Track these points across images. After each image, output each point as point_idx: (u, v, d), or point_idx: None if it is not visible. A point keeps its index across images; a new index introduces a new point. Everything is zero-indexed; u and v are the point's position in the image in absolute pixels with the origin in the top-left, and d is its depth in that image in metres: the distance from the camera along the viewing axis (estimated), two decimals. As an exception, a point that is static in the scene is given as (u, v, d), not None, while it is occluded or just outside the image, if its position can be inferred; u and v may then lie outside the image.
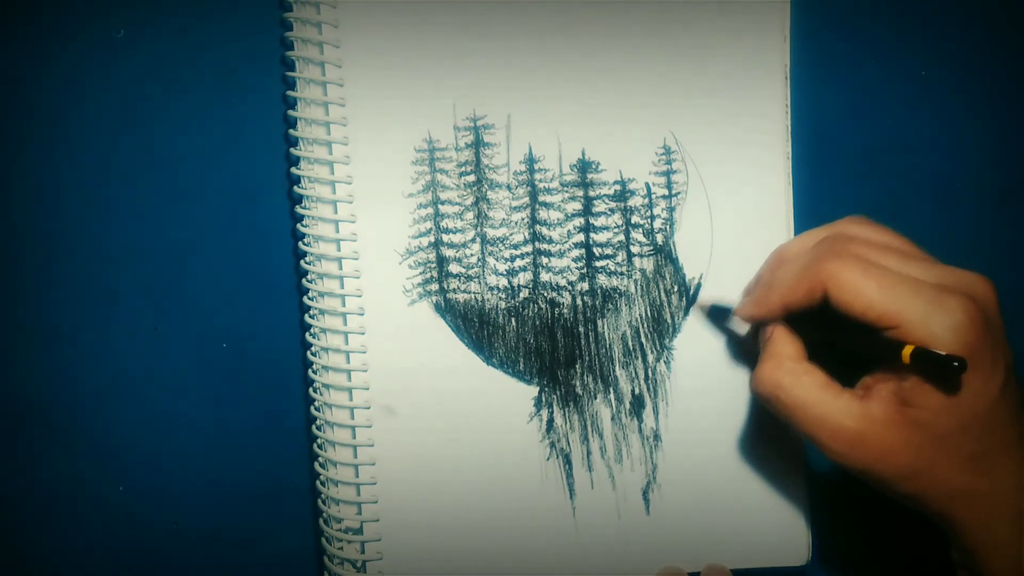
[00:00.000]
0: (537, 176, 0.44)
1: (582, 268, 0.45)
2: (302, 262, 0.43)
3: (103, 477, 0.45)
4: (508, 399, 0.44)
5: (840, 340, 0.40)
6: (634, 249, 0.45)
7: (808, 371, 0.39)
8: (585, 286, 0.45)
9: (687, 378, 0.45)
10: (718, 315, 0.45)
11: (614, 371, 0.45)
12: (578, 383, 0.45)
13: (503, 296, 0.44)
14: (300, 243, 0.44)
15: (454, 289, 0.44)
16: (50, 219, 0.44)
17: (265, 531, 0.46)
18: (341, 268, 0.43)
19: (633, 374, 0.45)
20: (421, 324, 0.44)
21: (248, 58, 0.44)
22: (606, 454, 0.45)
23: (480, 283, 0.44)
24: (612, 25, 0.44)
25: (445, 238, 0.44)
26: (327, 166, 0.43)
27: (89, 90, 0.44)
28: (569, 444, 0.45)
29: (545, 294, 0.45)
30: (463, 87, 0.44)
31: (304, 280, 0.44)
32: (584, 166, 0.45)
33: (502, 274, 0.44)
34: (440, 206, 0.44)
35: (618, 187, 0.45)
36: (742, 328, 0.44)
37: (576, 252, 0.45)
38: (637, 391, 0.45)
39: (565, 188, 0.45)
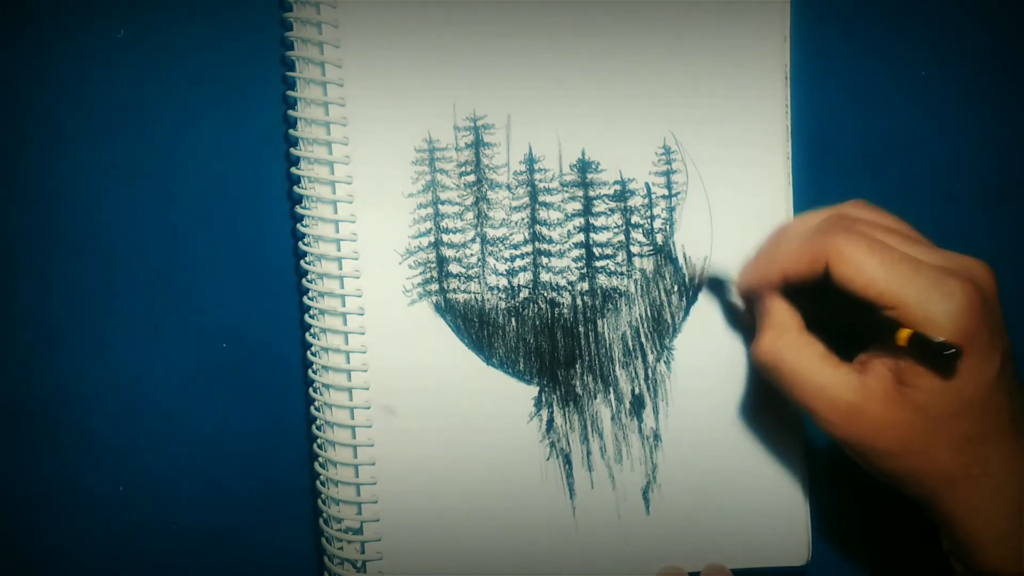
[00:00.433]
0: (537, 176, 0.44)
1: (582, 268, 0.45)
2: (302, 262, 0.43)
3: (103, 477, 0.45)
4: (508, 399, 0.44)
5: (837, 317, 0.40)
6: (634, 249, 0.45)
7: (809, 342, 0.39)
8: (585, 286, 0.45)
9: (687, 378, 0.45)
10: (715, 285, 0.44)
11: (614, 371, 0.45)
12: (578, 383, 0.45)
13: (503, 296, 0.44)
14: (300, 243, 0.44)
15: (454, 289, 0.44)
16: (50, 219, 0.44)
17: (265, 531, 0.46)
18: (341, 268, 0.43)
19: (633, 374, 0.45)
20: (421, 324, 0.44)
21: (248, 58, 0.44)
22: (606, 454, 0.45)
23: (480, 283, 0.44)
24: (612, 25, 0.44)
25: (445, 238, 0.44)
26: (327, 166, 0.43)
27: (89, 90, 0.44)
28: (569, 444, 0.45)
29: (545, 294, 0.45)
30: (463, 87, 0.44)
31: (304, 280, 0.44)
32: (584, 166, 0.45)
33: (502, 274, 0.44)
34: (440, 206, 0.44)
35: (618, 187, 0.45)
36: (739, 299, 0.44)
37: (576, 252, 0.45)
38: (637, 391, 0.45)
39: (565, 188, 0.45)
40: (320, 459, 0.44)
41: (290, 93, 0.43)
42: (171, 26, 0.44)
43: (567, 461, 0.45)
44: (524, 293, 0.45)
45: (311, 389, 0.44)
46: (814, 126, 0.46)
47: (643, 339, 0.45)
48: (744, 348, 0.45)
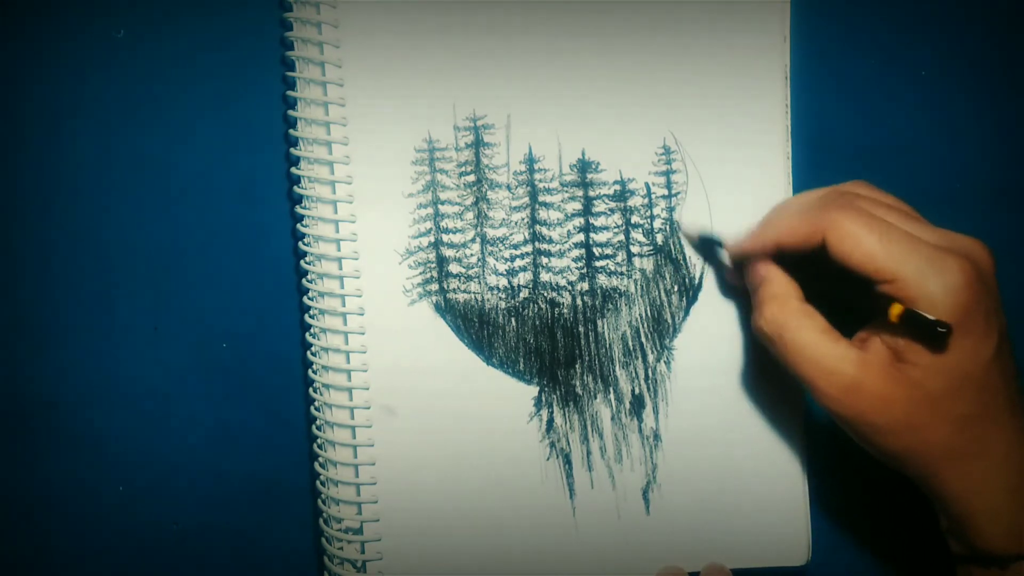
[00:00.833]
0: (537, 176, 0.44)
1: (582, 268, 0.45)
2: (302, 262, 0.43)
3: (103, 477, 0.45)
4: (508, 399, 0.44)
5: (833, 293, 0.40)
6: (634, 249, 0.45)
7: (811, 314, 0.39)
8: (585, 286, 0.45)
9: (687, 378, 0.45)
10: (706, 245, 0.44)
11: (614, 371, 0.45)
12: (578, 383, 0.45)
13: (503, 296, 0.44)
14: (300, 243, 0.44)
15: (454, 289, 0.44)
16: (50, 219, 0.44)
17: (265, 531, 0.46)
18: (341, 268, 0.43)
19: (633, 374, 0.45)
20: (421, 324, 0.44)
21: (248, 58, 0.44)
22: (606, 454, 0.45)
23: (480, 283, 0.44)
24: (612, 25, 0.44)
25: (445, 238, 0.44)
26: (327, 166, 0.43)
27: (89, 90, 0.44)
28: (569, 444, 0.45)
29: (545, 294, 0.45)
30: (463, 87, 0.44)
31: (304, 280, 0.44)
32: (584, 166, 0.45)
33: (502, 274, 0.44)
34: (440, 206, 0.44)
35: (618, 187, 0.45)
36: (728, 259, 0.44)
37: (576, 252, 0.45)
38: (637, 391, 0.45)
39: (565, 188, 0.45)
40: (320, 459, 0.44)
41: (290, 93, 0.43)
42: (171, 26, 0.44)
43: (567, 461, 0.45)
44: (524, 293, 0.45)
45: (311, 389, 0.44)
46: (814, 126, 0.46)
47: (643, 339, 0.45)
48: (744, 349, 0.45)
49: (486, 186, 0.44)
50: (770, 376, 0.45)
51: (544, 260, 0.45)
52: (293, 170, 0.43)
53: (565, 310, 0.45)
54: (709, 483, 0.45)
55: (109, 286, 0.45)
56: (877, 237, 0.37)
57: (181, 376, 0.45)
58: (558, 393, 0.45)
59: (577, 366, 0.45)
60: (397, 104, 0.43)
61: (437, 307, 0.44)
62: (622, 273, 0.45)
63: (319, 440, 0.44)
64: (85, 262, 0.45)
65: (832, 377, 0.38)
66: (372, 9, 0.43)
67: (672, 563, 0.45)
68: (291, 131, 0.43)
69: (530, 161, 0.44)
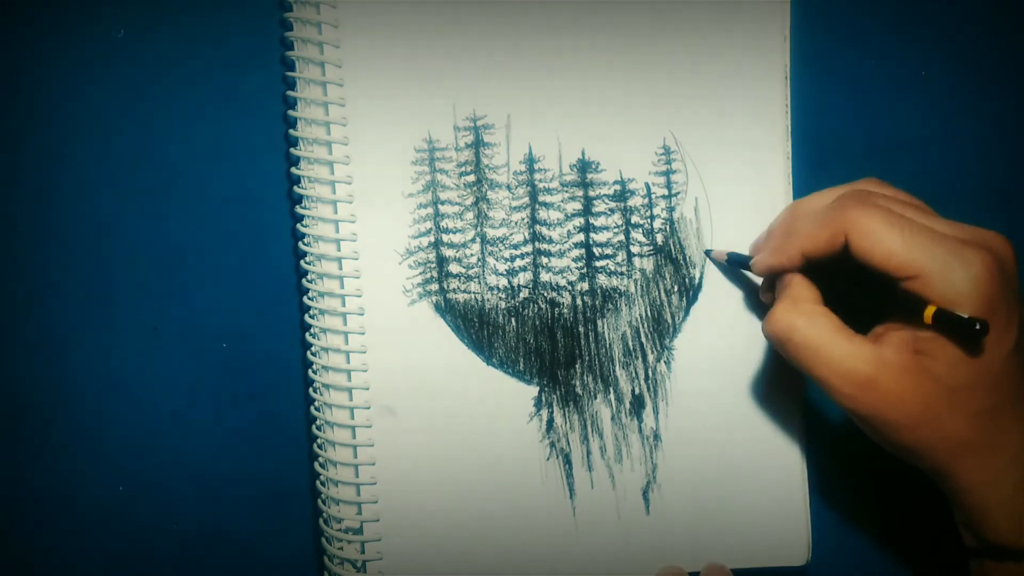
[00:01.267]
0: (537, 176, 0.44)
1: (582, 268, 0.45)
2: (302, 262, 0.43)
3: (103, 477, 0.45)
4: (508, 399, 0.44)
5: (855, 293, 0.40)
6: (634, 249, 0.45)
7: (823, 314, 0.39)
8: (585, 286, 0.45)
9: (687, 378, 0.45)
10: (735, 264, 0.44)
11: (614, 371, 0.45)
12: (578, 383, 0.45)
13: (503, 296, 0.44)
14: (300, 243, 0.44)
15: (454, 289, 0.44)
16: (50, 219, 0.44)
17: (265, 531, 0.46)
18: (341, 268, 0.43)
19: (633, 374, 0.45)
20: (421, 324, 0.44)
21: (248, 58, 0.44)
22: (606, 454, 0.45)
23: (480, 283, 0.44)
24: (612, 25, 0.44)
25: (445, 238, 0.44)
26: (327, 166, 0.43)
27: (89, 90, 0.44)
28: (569, 444, 0.45)
29: (545, 294, 0.45)
30: (463, 87, 0.44)
31: (304, 280, 0.44)
32: (584, 166, 0.45)
33: (502, 274, 0.44)
34: (440, 206, 0.44)
35: (618, 187, 0.45)
36: (758, 277, 0.44)
37: (576, 252, 0.45)
38: (637, 391, 0.45)
39: (565, 188, 0.45)
40: (320, 459, 0.44)
41: (290, 93, 0.43)
42: (171, 26, 0.44)
43: (567, 461, 0.45)
44: (524, 293, 0.45)
45: (311, 389, 0.44)
46: (814, 126, 0.46)
47: (643, 339, 0.45)
48: (744, 349, 0.45)
49: (486, 186, 0.44)
50: (770, 376, 0.45)
51: (544, 260, 0.45)
52: (293, 170, 0.43)
53: (565, 310, 0.45)
54: (709, 483, 0.45)
55: (109, 286, 0.45)
56: (898, 233, 0.37)
57: (181, 376, 0.45)
58: (558, 393, 0.45)
59: (577, 366, 0.45)
60: (397, 104, 0.43)
61: (437, 307, 0.44)
62: (622, 273, 0.45)
63: (319, 440, 0.44)
64: (85, 262, 0.45)
65: (846, 375, 0.38)
66: (372, 9, 0.43)
67: (672, 563, 0.45)
68: (291, 131, 0.43)
69: (530, 161, 0.44)
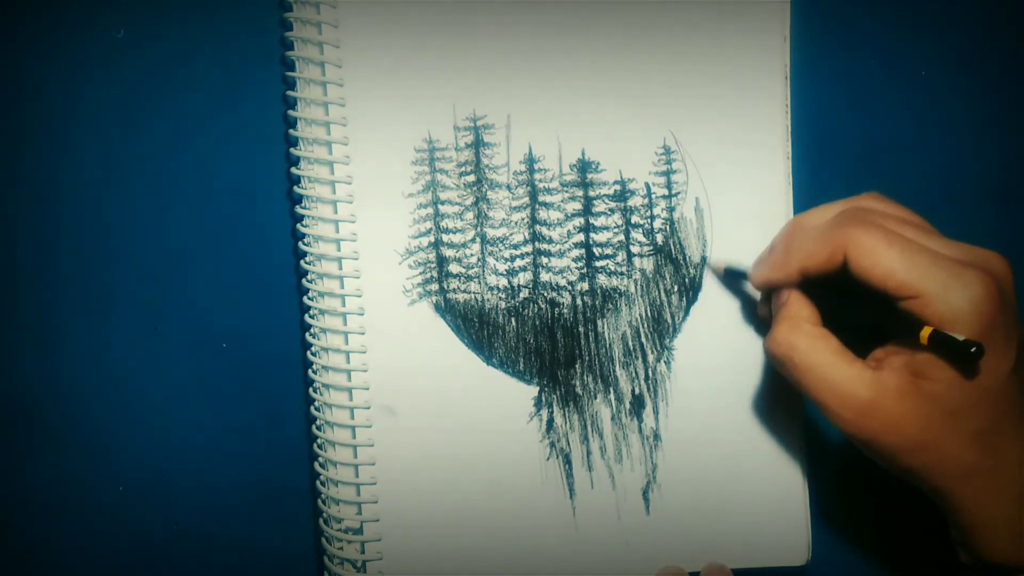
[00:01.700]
0: (537, 176, 0.44)
1: (582, 268, 0.45)
2: (302, 262, 0.43)
3: (103, 477, 0.45)
4: (508, 399, 0.44)
5: (854, 311, 0.40)
6: (634, 249, 0.45)
7: (824, 336, 0.39)
8: (585, 286, 0.45)
9: (687, 378, 0.45)
10: (732, 277, 0.44)
11: (614, 371, 0.45)
12: (578, 383, 0.45)
13: (503, 296, 0.44)
14: (300, 243, 0.44)
15: (454, 289, 0.44)
16: (50, 219, 0.44)
17: (265, 531, 0.46)
18: (341, 268, 0.43)
19: (633, 374, 0.45)
20: (421, 324, 0.44)
21: (248, 58, 0.44)
22: (606, 454, 0.45)
23: (480, 283, 0.44)
24: (612, 25, 0.44)
25: (445, 238, 0.44)
26: (327, 166, 0.43)
27: (89, 90, 0.44)
28: (569, 444, 0.45)
29: (545, 294, 0.45)
30: (463, 87, 0.44)
31: (304, 280, 0.44)
32: (584, 166, 0.45)
33: (502, 274, 0.44)
34: (440, 206, 0.44)
35: (618, 187, 0.45)
36: (756, 291, 0.44)
37: (576, 252, 0.45)
38: (637, 391, 0.45)
39: (565, 188, 0.45)
40: (320, 459, 0.44)
41: (290, 93, 0.43)
42: (171, 26, 0.44)
43: (567, 461, 0.45)
44: (524, 293, 0.45)
45: (311, 389, 0.44)
46: (814, 126, 0.46)
47: (643, 339, 0.45)
48: (744, 349, 0.45)
49: (486, 186, 0.44)
50: (770, 376, 0.45)
51: (544, 260, 0.45)
52: (293, 170, 0.43)
53: (565, 310, 0.45)
54: (709, 483, 0.45)
55: (109, 286, 0.45)
56: (898, 252, 0.37)
57: (181, 376, 0.45)
58: (558, 393, 0.45)
59: (577, 366, 0.45)
60: (397, 104, 0.43)
61: (437, 307, 0.44)
62: (622, 273, 0.45)
63: (319, 440, 0.44)
64: (85, 262, 0.45)
65: (845, 399, 0.38)
66: (372, 9, 0.43)
67: (672, 563, 0.45)
68: (291, 131, 0.43)
69: (530, 161, 0.44)
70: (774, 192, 0.45)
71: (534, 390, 0.45)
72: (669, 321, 0.45)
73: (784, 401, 0.45)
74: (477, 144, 0.44)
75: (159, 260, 0.45)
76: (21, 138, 0.44)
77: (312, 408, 0.44)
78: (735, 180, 0.45)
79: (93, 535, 0.45)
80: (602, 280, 0.45)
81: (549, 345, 0.45)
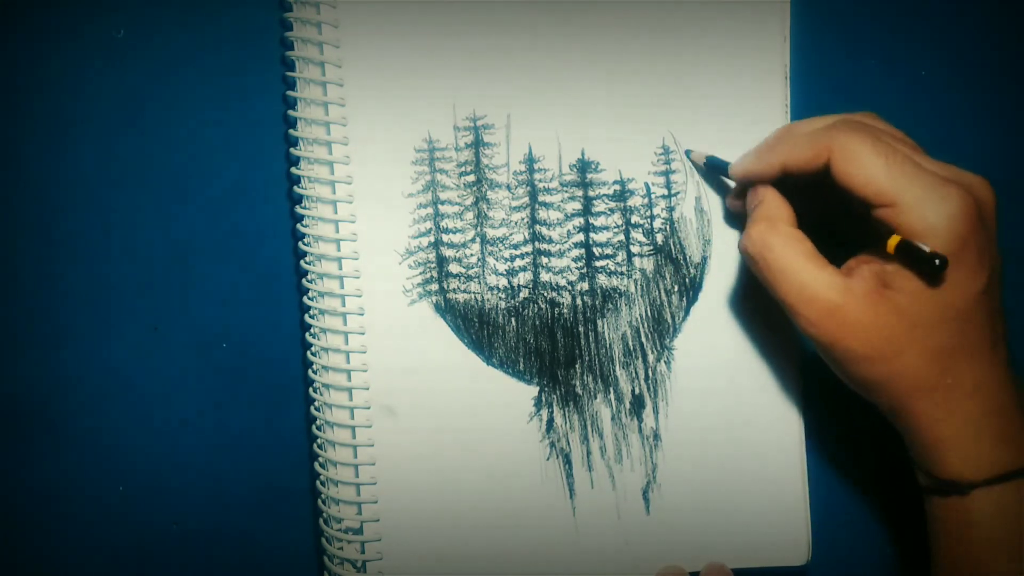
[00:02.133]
0: (537, 176, 0.44)
1: (582, 268, 0.45)
2: (302, 262, 0.43)
3: (103, 477, 0.45)
4: (508, 399, 0.44)
5: (829, 223, 0.41)
6: (634, 249, 0.45)
7: (799, 239, 0.39)
8: (585, 286, 0.45)
9: (687, 378, 0.45)
10: (713, 170, 0.44)
11: (614, 371, 0.45)
12: (578, 383, 0.45)
13: (503, 296, 0.44)
14: (300, 243, 0.44)
15: (454, 289, 0.44)
16: (50, 219, 0.44)
17: (265, 531, 0.46)
18: (341, 268, 0.43)
19: (633, 374, 0.45)
20: (421, 324, 0.44)
21: (248, 58, 0.44)
22: (606, 454, 0.45)
23: (480, 283, 0.44)
24: (612, 25, 0.44)
25: (445, 238, 0.44)
26: (327, 166, 0.43)
27: (89, 90, 0.44)
28: (569, 444, 0.45)
29: (545, 294, 0.45)
30: (463, 87, 0.44)
31: (304, 280, 0.44)
32: (584, 166, 0.45)
33: (502, 274, 0.44)
34: (440, 206, 0.44)
35: (618, 187, 0.45)
36: (734, 185, 0.44)
37: (576, 252, 0.45)
38: (637, 391, 0.45)
39: (565, 188, 0.45)
40: (320, 459, 0.44)
41: (290, 93, 0.43)
42: (171, 26, 0.44)
43: (567, 461, 0.45)
44: (524, 293, 0.45)
45: (311, 389, 0.44)
46: (814, 126, 0.46)
47: (643, 339, 0.45)
48: (744, 349, 0.45)
49: (486, 186, 0.44)
50: (770, 376, 0.45)
51: (544, 260, 0.45)
52: (293, 170, 0.43)
53: (565, 310, 0.45)
54: (709, 483, 0.45)
55: (109, 286, 0.45)
56: (883, 160, 0.37)
57: (181, 376, 0.45)
58: (558, 393, 0.45)
59: (577, 366, 0.45)
60: (397, 104, 0.43)
61: (437, 307, 0.44)
62: (622, 273, 0.45)
63: (319, 440, 0.44)
64: (85, 262, 0.45)
65: (813, 301, 0.38)
66: (372, 9, 0.43)
67: (672, 563, 0.45)
68: (291, 131, 0.43)
69: (530, 161, 0.44)
70: (774, 192, 0.45)
71: (534, 390, 0.45)
72: (669, 321, 0.45)
73: (785, 401, 0.45)
74: (477, 144, 0.44)
75: (159, 260, 0.45)
76: (22, 138, 0.44)
77: (312, 408, 0.44)
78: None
79: (93, 535, 0.45)
80: (602, 280, 0.45)
81: (549, 345, 0.45)
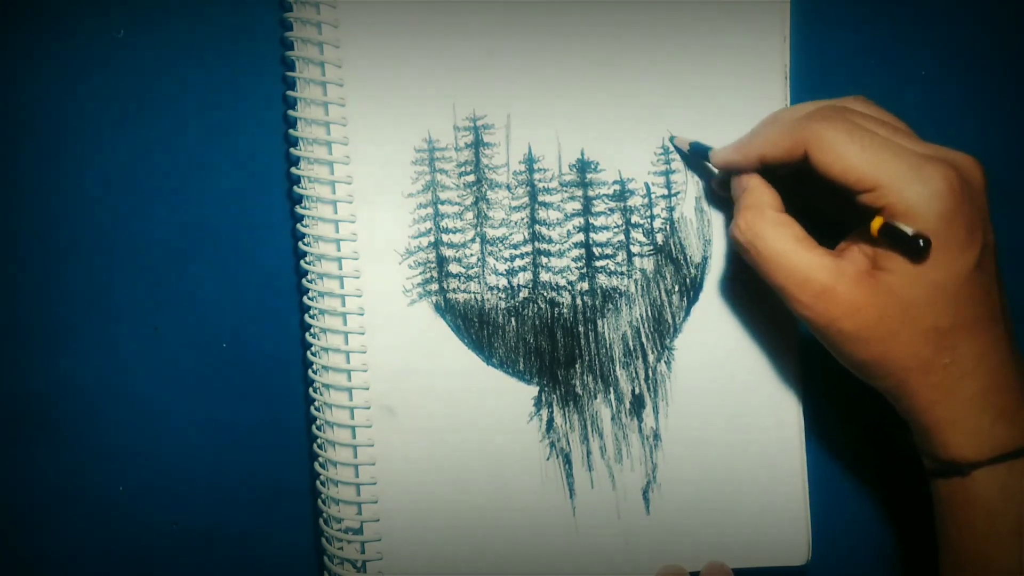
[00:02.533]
0: (536, 176, 0.44)
1: (582, 268, 0.45)
2: (302, 262, 0.43)
3: (103, 477, 0.45)
4: (508, 399, 0.44)
5: (817, 206, 0.41)
6: (634, 249, 0.45)
7: (787, 223, 0.39)
8: (585, 286, 0.45)
9: (687, 378, 0.45)
10: (697, 154, 0.44)
11: (614, 371, 0.45)
12: (578, 383, 0.45)
13: (503, 296, 0.44)
14: (300, 243, 0.44)
15: (454, 289, 0.44)
16: (50, 219, 0.44)
17: (265, 531, 0.46)
18: (341, 268, 0.43)
19: (633, 374, 0.45)
20: (421, 324, 0.44)
21: (248, 58, 0.44)
22: (606, 454, 0.45)
23: (480, 283, 0.44)
24: (612, 25, 0.44)
25: (445, 238, 0.44)
26: (327, 166, 0.43)
27: (89, 90, 0.44)
28: (569, 444, 0.45)
29: (545, 294, 0.45)
30: (463, 87, 0.44)
31: (304, 280, 0.44)
32: (583, 166, 0.45)
33: (502, 274, 0.44)
34: (440, 206, 0.44)
35: (617, 187, 0.45)
36: (716, 169, 0.44)
37: (576, 252, 0.45)
38: (637, 391, 0.45)
39: (564, 188, 0.45)
40: (320, 459, 0.44)
41: (290, 93, 0.43)
42: (171, 26, 0.44)
43: (567, 461, 0.45)
44: (524, 293, 0.45)
45: (311, 389, 0.44)
46: (814, 126, 0.46)
47: (643, 339, 0.45)
48: (744, 349, 0.45)
49: (486, 186, 0.44)
50: (770, 376, 0.45)
51: (544, 260, 0.45)
52: (293, 170, 0.43)
53: (565, 310, 0.45)
54: (709, 483, 0.45)
55: (109, 286, 0.45)
56: (858, 147, 0.37)
57: (181, 376, 0.45)
58: (558, 393, 0.45)
59: (577, 366, 0.45)
60: (397, 104, 0.43)
61: (437, 307, 0.44)
62: (622, 273, 0.45)
63: (319, 440, 0.44)
64: (85, 262, 0.45)
65: (805, 283, 0.38)
66: (372, 9, 0.43)
67: (672, 563, 0.45)
68: (291, 131, 0.43)
69: (530, 161, 0.44)
70: (774, 192, 0.45)
71: (534, 390, 0.45)
72: (669, 321, 0.45)
73: (785, 401, 0.45)
74: (477, 144, 0.44)
75: (159, 260, 0.45)
76: (22, 138, 0.44)
77: (312, 408, 0.44)
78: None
79: (93, 535, 0.45)
80: (602, 280, 0.45)
81: (549, 345, 0.45)
